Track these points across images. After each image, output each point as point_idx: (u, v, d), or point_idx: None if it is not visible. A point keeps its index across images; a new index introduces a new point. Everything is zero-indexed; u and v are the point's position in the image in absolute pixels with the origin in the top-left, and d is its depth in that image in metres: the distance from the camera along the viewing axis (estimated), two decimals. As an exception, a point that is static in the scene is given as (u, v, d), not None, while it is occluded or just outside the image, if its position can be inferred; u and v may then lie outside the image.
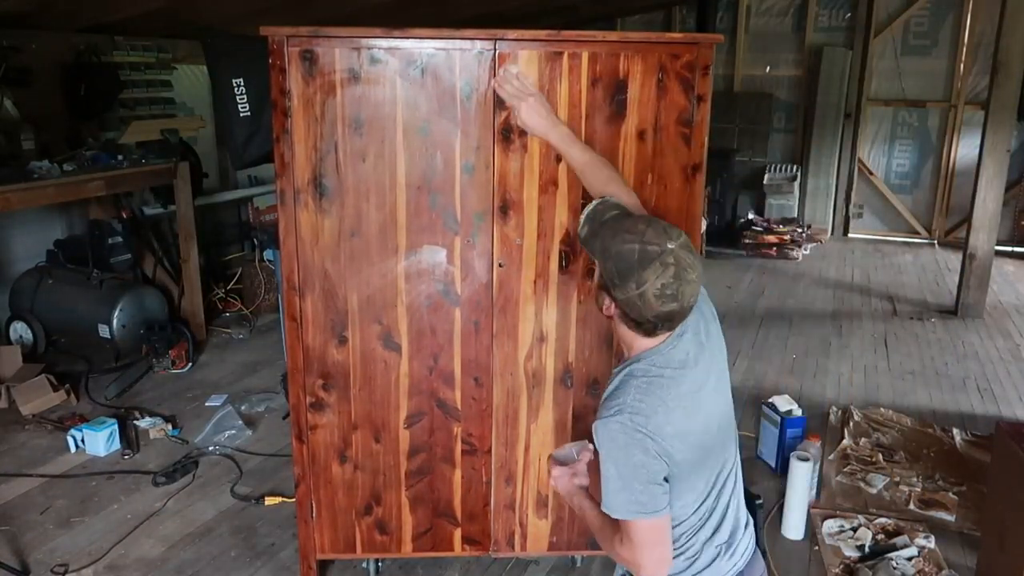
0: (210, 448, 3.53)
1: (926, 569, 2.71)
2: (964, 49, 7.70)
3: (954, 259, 7.01)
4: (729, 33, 8.34)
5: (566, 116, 2.15)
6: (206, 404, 4.01)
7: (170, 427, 3.69)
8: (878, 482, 3.29)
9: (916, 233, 8.29)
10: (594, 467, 1.61)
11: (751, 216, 8.16)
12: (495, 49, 2.10)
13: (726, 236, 7.82)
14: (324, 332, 2.28)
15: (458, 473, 2.43)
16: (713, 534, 1.55)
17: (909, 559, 2.75)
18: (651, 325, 1.45)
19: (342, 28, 2.07)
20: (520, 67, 2.10)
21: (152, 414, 3.84)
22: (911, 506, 3.13)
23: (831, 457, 3.50)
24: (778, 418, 3.35)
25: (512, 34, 2.09)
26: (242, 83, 3.46)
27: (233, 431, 3.63)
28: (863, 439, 3.69)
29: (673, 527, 1.49)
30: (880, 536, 2.92)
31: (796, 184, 8.25)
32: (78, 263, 4.66)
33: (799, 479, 2.95)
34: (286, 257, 2.22)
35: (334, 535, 2.46)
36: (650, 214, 2.18)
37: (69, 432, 3.52)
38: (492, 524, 2.49)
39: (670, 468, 1.43)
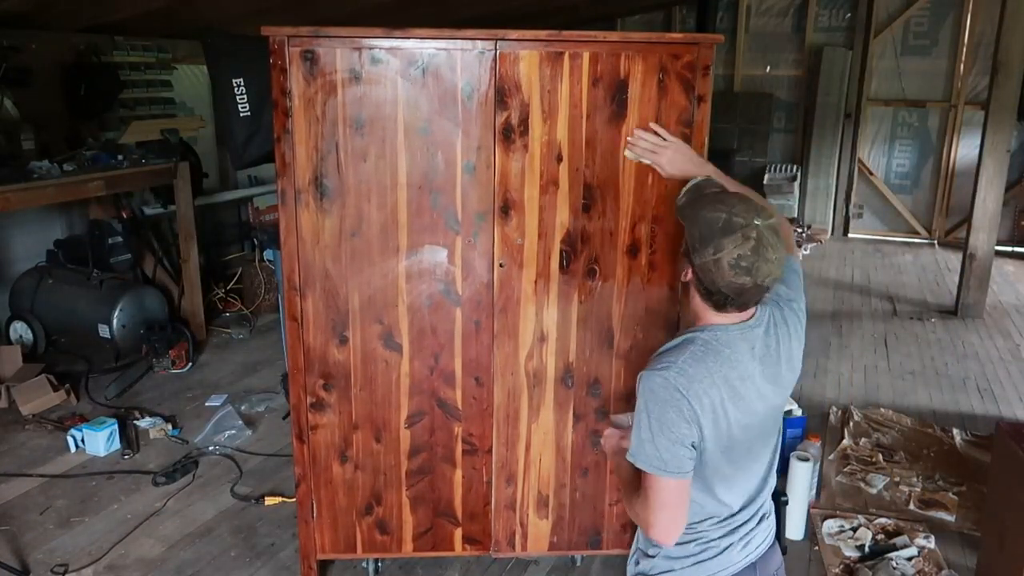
0: (210, 448, 3.53)
1: (926, 569, 2.71)
2: (964, 49, 7.70)
3: (954, 259, 7.01)
4: (729, 33, 8.34)
5: (567, 116, 2.15)
6: (206, 404, 4.01)
7: (170, 427, 3.69)
8: (878, 482, 3.29)
9: (916, 233, 8.29)
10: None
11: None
12: (496, 49, 2.10)
13: (726, 236, 7.80)
14: (325, 332, 2.28)
15: (459, 473, 2.43)
16: (732, 527, 1.57)
17: (909, 559, 2.75)
18: (721, 297, 1.46)
19: (343, 28, 2.07)
20: (653, 124, 2.11)
21: (152, 414, 3.84)
22: (911, 506, 3.13)
23: (831, 457, 3.50)
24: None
25: (513, 34, 2.09)
26: (242, 83, 3.45)
27: (233, 431, 3.63)
28: (863, 439, 3.69)
29: (693, 513, 1.53)
30: (880, 536, 2.92)
31: (796, 184, 8.25)
32: (78, 263, 4.66)
33: (799, 479, 2.95)
34: (287, 257, 2.22)
35: (334, 535, 2.46)
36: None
37: (69, 432, 3.52)
38: (492, 524, 2.49)
39: (699, 438, 1.46)
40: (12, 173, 3.89)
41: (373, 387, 2.34)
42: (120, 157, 4.55)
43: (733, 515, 1.58)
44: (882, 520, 3.01)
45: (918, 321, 5.64)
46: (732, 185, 1.88)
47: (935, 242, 8.18)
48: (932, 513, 3.08)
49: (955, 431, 3.78)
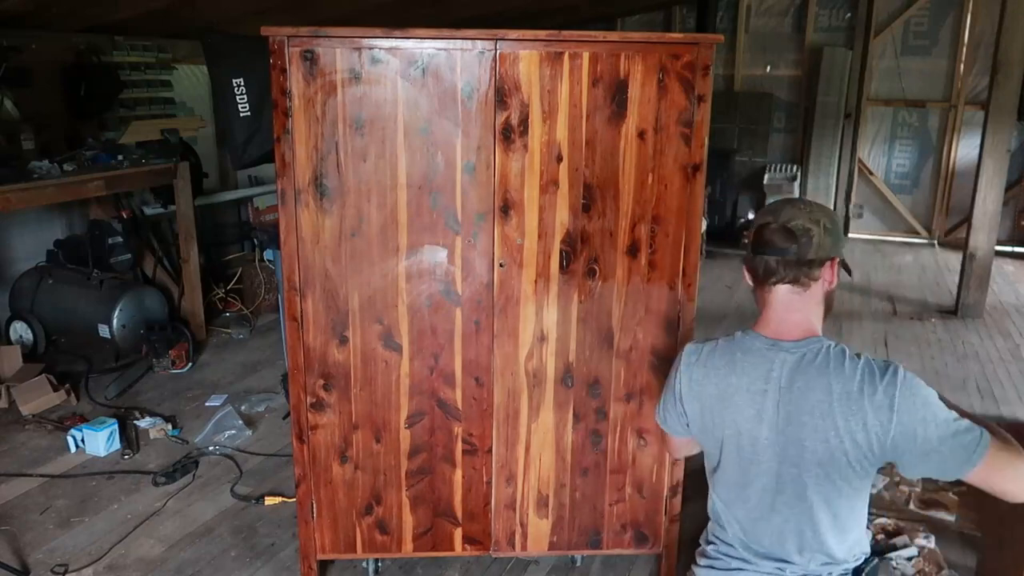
0: (210, 448, 3.53)
1: (926, 569, 2.71)
2: (964, 49, 7.70)
3: (954, 259, 7.01)
4: (729, 33, 8.34)
5: (566, 116, 2.15)
6: (206, 404, 4.01)
7: (170, 427, 3.69)
8: (878, 482, 3.28)
9: (916, 233, 8.29)
10: None
11: (751, 216, 8.16)
12: (496, 49, 2.10)
13: (726, 236, 7.82)
14: (325, 332, 2.28)
15: (458, 473, 2.43)
16: (742, 563, 1.59)
17: (909, 559, 2.75)
18: (751, 255, 1.53)
19: (343, 28, 2.07)
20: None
21: (152, 414, 3.84)
22: (911, 506, 3.13)
23: (831, 457, 3.50)
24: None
25: (513, 34, 2.09)
26: (242, 83, 3.45)
27: (233, 431, 3.63)
28: (863, 439, 3.68)
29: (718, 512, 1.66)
30: (880, 536, 2.92)
31: (796, 184, 8.24)
32: (78, 263, 4.66)
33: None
34: (287, 257, 2.22)
35: (334, 535, 2.46)
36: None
37: (69, 432, 3.52)
38: (492, 524, 2.49)
39: (682, 412, 1.65)
40: (12, 173, 3.88)
41: (373, 387, 2.34)
42: (120, 157, 4.55)
43: (741, 551, 1.59)
44: (882, 520, 3.01)
45: (918, 321, 5.64)
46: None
47: (935, 242, 8.18)
48: (932, 513, 3.08)
49: (955, 431, 3.78)
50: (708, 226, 7.26)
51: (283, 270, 2.25)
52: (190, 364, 4.51)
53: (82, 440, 3.50)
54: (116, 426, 3.52)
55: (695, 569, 1.68)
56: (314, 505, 2.43)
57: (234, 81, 3.44)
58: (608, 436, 2.43)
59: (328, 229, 2.21)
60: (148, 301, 4.63)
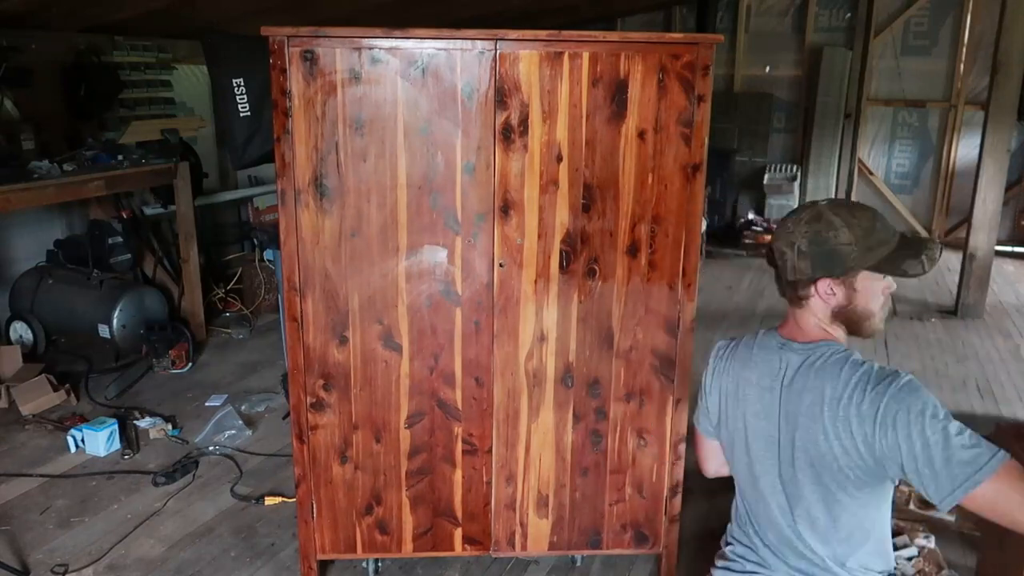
0: (210, 448, 3.53)
1: (926, 569, 2.71)
2: (964, 49, 7.70)
3: (954, 259, 7.00)
4: (729, 33, 8.34)
5: (566, 116, 2.15)
6: (206, 404, 4.01)
7: (170, 427, 3.69)
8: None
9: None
10: None
11: (751, 216, 8.16)
12: (496, 49, 2.10)
13: (726, 236, 7.82)
14: (325, 332, 2.28)
15: (458, 473, 2.43)
16: (755, 552, 1.62)
17: (909, 559, 2.75)
18: (770, 258, 1.53)
19: (343, 28, 2.07)
20: None
21: (152, 414, 3.84)
22: (911, 506, 3.13)
23: (831, 457, 3.50)
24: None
25: (513, 34, 2.09)
26: (242, 83, 3.45)
27: (233, 431, 3.62)
28: (863, 439, 3.68)
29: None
30: (880, 536, 2.91)
31: (796, 184, 8.25)
32: (78, 263, 4.66)
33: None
34: (287, 257, 2.22)
35: (334, 535, 2.46)
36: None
37: (69, 432, 3.52)
38: (492, 524, 2.49)
39: (708, 407, 1.70)
40: (12, 173, 3.88)
41: (373, 387, 2.34)
42: (120, 157, 4.54)
43: (759, 554, 1.61)
44: (882, 520, 3.01)
45: (918, 321, 5.64)
46: None
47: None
48: (932, 513, 3.08)
49: (955, 431, 3.78)
50: (708, 226, 7.26)
51: (283, 270, 2.25)
52: (190, 364, 4.51)
53: (82, 440, 3.50)
54: (116, 426, 3.52)
55: (713, 571, 1.69)
56: (314, 505, 2.43)
57: (234, 81, 3.44)
58: (608, 436, 2.43)
59: (328, 229, 2.21)
60: (148, 301, 4.64)
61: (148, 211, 5.20)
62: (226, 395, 4.10)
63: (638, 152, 2.20)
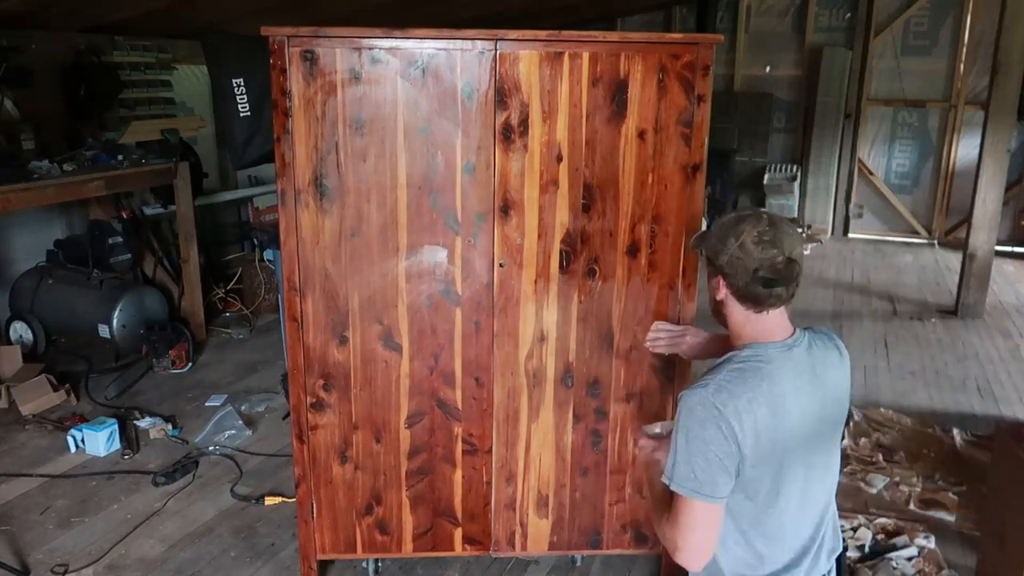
0: (210, 448, 3.53)
1: (926, 569, 2.71)
2: (964, 49, 7.70)
3: (954, 259, 7.01)
4: (729, 33, 8.34)
5: (566, 116, 2.15)
6: (206, 404, 4.00)
7: (170, 427, 3.69)
8: (878, 482, 3.29)
9: (916, 233, 8.29)
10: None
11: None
12: (496, 49, 2.10)
13: (726, 236, 7.81)
14: (325, 332, 2.28)
15: (458, 473, 2.43)
16: (776, 553, 1.52)
17: (909, 559, 2.75)
18: (757, 287, 1.46)
19: (343, 28, 2.07)
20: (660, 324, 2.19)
21: (152, 414, 3.84)
22: (911, 506, 3.13)
23: (831, 457, 3.50)
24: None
25: (513, 34, 2.09)
26: (242, 83, 3.45)
27: (233, 431, 3.63)
28: (863, 439, 3.69)
29: (735, 525, 1.49)
30: (880, 536, 2.92)
31: (796, 184, 8.25)
32: (78, 263, 4.66)
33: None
34: (287, 257, 2.22)
35: (334, 535, 2.46)
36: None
37: (69, 432, 3.52)
38: (492, 524, 2.49)
39: (739, 458, 1.41)
40: (12, 173, 3.89)
41: (373, 387, 2.34)
42: (120, 157, 4.55)
43: (780, 547, 1.51)
44: (882, 520, 3.01)
45: (918, 321, 5.64)
46: None
47: (935, 242, 8.18)
48: (932, 513, 3.08)
49: (955, 431, 3.78)
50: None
51: (283, 270, 2.25)
52: (190, 364, 4.51)
53: (82, 440, 3.50)
54: (116, 426, 3.52)
55: None
56: (314, 505, 2.43)
57: (234, 81, 3.44)
58: (608, 436, 2.43)
59: (328, 229, 2.21)
60: (148, 301, 4.64)
61: (148, 211, 5.20)
62: (226, 395, 4.10)
63: (638, 152, 2.20)
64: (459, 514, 2.47)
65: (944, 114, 7.95)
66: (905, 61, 7.95)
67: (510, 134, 2.16)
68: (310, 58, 2.08)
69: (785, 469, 1.47)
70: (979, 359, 4.88)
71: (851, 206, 8.45)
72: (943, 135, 7.99)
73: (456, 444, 2.40)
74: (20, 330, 4.57)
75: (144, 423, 3.70)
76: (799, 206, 8.32)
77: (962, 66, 7.73)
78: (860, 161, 8.31)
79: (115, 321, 4.40)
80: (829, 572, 1.58)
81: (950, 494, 3.21)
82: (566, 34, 2.10)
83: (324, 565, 2.66)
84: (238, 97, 3.46)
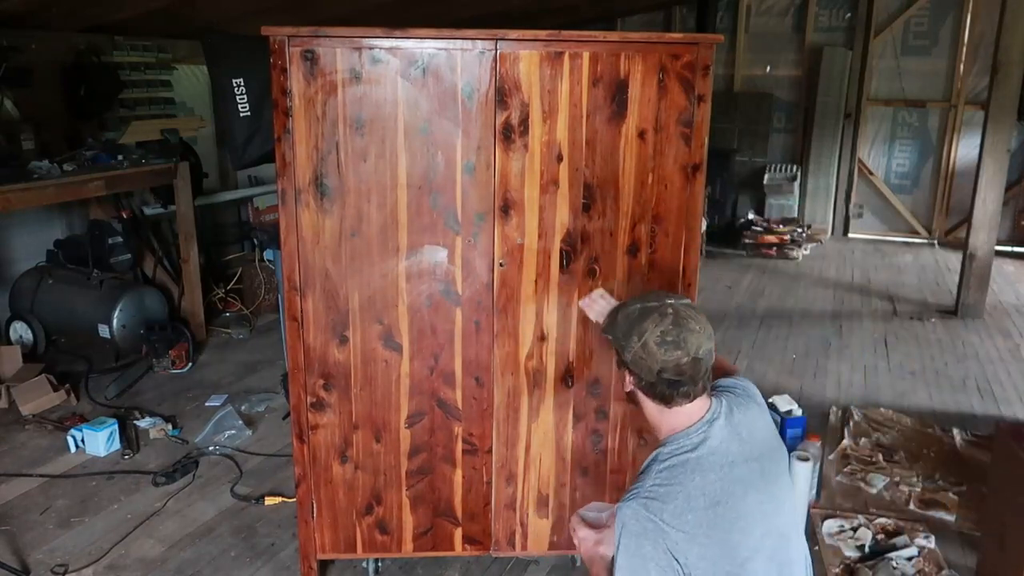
0: (210, 448, 3.53)
1: (926, 569, 2.71)
2: (964, 49, 7.70)
3: (954, 259, 7.01)
4: (729, 33, 8.34)
5: (567, 116, 2.15)
6: (206, 404, 4.00)
7: (170, 427, 3.69)
8: (878, 482, 3.29)
9: (916, 233, 8.29)
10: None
11: (751, 216, 8.16)
12: (496, 49, 2.10)
13: (726, 236, 7.83)
14: (325, 332, 2.28)
15: (459, 473, 2.43)
16: None
17: (909, 559, 2.75)
18: (664, 385, 1.45)
19: (343, 28, 2.07)
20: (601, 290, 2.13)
21: (152, 414, 3.84)
22: (911, 506, 3.13)
23: (831, 457, 3.50)
24: (778, 418, 3.35)
25: (513, 34, 2.09)
26: (242, 83, 3.45)
27: (233, 431, 3.62)
28: (863, 439, 3.69)
29: None
30: (880, 536, 2.92)
31: (796, 184, 8.25)
32: (78, 263, 4.65)
33: (799, 479, 2.95)
34: (287, 257, 2.22)
35: (335, 535, 2.46)
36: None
37: (69, 432, 3.52)
38: (493, 524, 2.49)
39: (682, 565, 1.36)
40: (12, 173, 3.89)
41: (373, 387, 2.34)
42: (120, 157, 4.55)
43: None
44: (882, 520, 3.01)
45: (918, 321, 5.64)
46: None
47: (935, 242, 8.18)
48: (932, 513, 3.08)
49: (955, 431, 3.78)
50: (708, 226, 7.27)
51: (283, 270, 2.25)
52: (190, 364, 4.51)
53: (82, 440, 3.50)
54: (116, 426, 3.52)
55: None
56: (314, 505, 2.43)
57: (234, 81, 3.44)
58: (608, 436, 2.43)
59: (328, 229, 2.21)
60: (148, 301, 4.63)
61: (148, 211, 5.20)
62: (226, 395, 4.10)
63: (638, 152, 2.20)
64: (459, 514, 2.47)
65: (944, 114, 7.95)
66: (905, 61, 7.95)
67: (510, 134, 2.16)
68: (310, 58, 2.08)
69: (745, 540, 1.42)
70: (979, 359, 4.88)
71: (851, 206, 8.45)
72: (943, 135, 7.99)
73: (456, 444, 2.41)
74: (20, 330, 4.57)
75: (144, 423, 3.70)
76: (799, 206, 8.32)
77: (962, 66, 7.73)
78: (860, 161, 8.31)
79: (115, 321, 4.40)
80: None
81: (950, 494, 3.21)
82: (566, 34, 2.10)
83: (324, 565, 2.66)
84: (238, 97, 3.46)
